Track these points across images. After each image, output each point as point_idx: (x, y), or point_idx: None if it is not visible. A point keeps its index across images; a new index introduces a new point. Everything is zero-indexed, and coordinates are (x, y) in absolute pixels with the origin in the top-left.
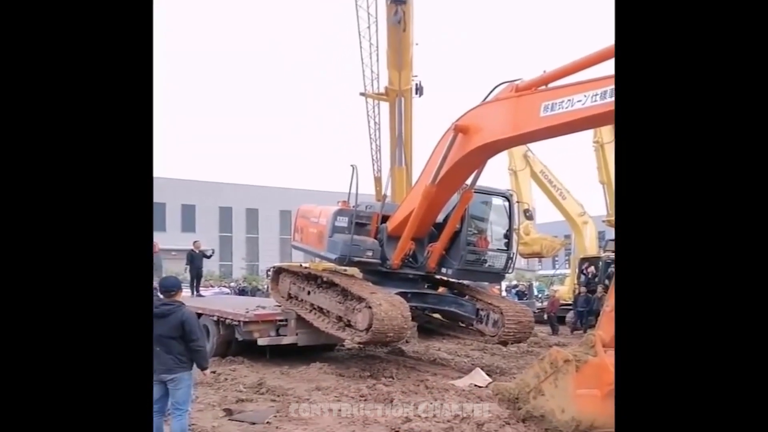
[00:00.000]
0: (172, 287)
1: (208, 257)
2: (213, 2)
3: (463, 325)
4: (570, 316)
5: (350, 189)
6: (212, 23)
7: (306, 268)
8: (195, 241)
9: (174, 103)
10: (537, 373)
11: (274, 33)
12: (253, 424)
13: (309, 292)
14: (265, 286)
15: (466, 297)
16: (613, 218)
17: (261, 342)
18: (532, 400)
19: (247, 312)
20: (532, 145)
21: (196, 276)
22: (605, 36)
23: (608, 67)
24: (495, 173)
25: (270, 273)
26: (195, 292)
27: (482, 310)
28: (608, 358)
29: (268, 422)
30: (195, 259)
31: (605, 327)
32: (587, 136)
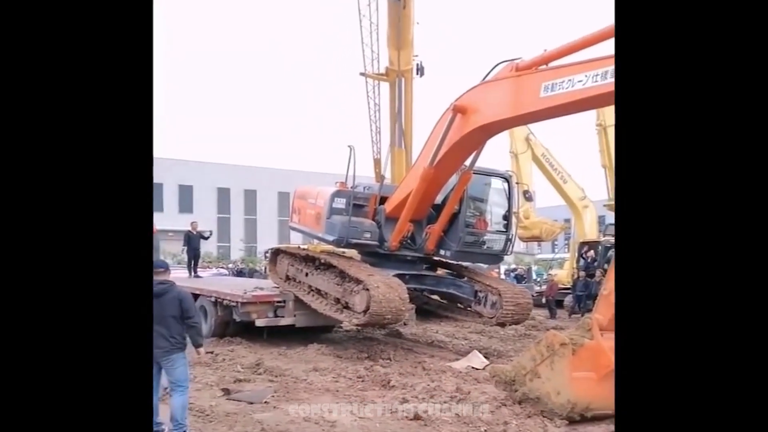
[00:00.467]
0: (158, 267)
1: (206, 238)
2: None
3: (462, 306)
4: (568, 299)
5: (348, 170)
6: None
7: (304, 249)
8: (192, 222)
9: (172, 86)
10: (534, 356)
11: (274, 33)
12: (251, 403)
13: (307, 274)
14: (263, 268)
15: (465, 279)
16: (613, 203)
17: (259, 323)
18: (529, 382)
19: (245, 293)
20: (533, 128)
21: (194, 257)
22: (607, 15)
23: (609, 47)
24: (496, 156)
25: (268, 255)
26: (192, 273)
27: (480, 291)
28: (605, 342)
29: (266, 402)
30: (192, 240)
31: (602, 310)
32: (590, 118)
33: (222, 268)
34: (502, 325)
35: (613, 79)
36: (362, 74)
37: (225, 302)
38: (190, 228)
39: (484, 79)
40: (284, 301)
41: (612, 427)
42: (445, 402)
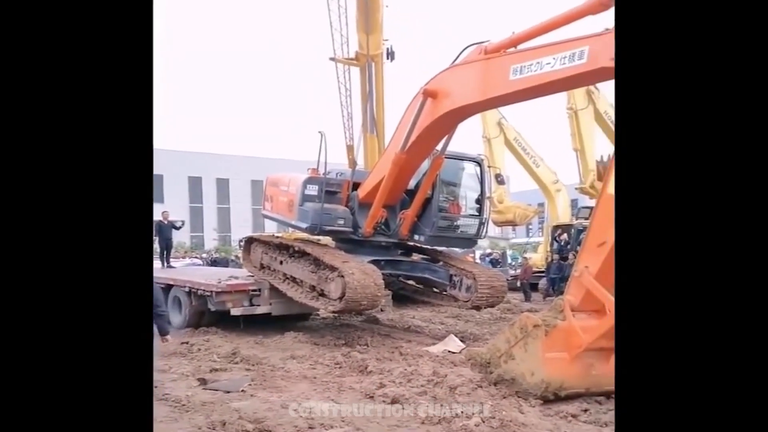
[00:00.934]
0: None
1: (178, 228)
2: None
3: (437, 291)
4: (543, 282)
5: (319, 157)
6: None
7: (278, 237)
8: (163, 212)
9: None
10: (508, 338)
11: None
12: (228, 392)
13: (281, 262)
14: (238, 257)
15: (440, 263)
16: (585, 186)
17: (234, 312)
18: (503, 364)
19: (220, 282)
20: (505, 112)
21: (166, 247)
22: None
23: (577, 28)
24: (469, 141)
25: (242, 244)
26: (165, 264)
27: (455, 275)
28: (576, 322)
29: (242, 390)
30: (164, 230)
31: (573, 291)
32: (561, 102)
33: (195, 257)
34: (477, 308)
35: (581, 61)
36: (332, 59)
37: (199, 292)
38: (161, 218)
39: (453, 62)
40: (259, 290)
41: (585, 405)
42: (422, 385)
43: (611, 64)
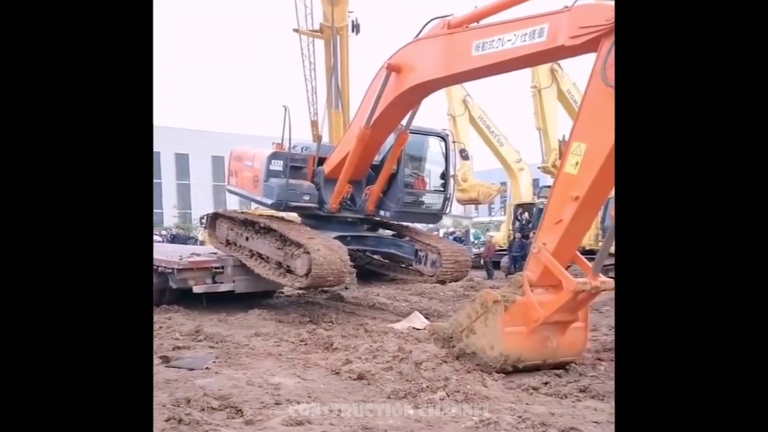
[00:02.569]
0: None
1: None
2: None
3: (403, 266)
4: (505, 261)
5: (284, 132)
6: None
7: (243, 213)
8: None
9: None
10: (469, 313)
11: None
12: (192, 369)
13: (247, 238)
14: (198, 235)
15: (406, 238)
16: (548, 165)
17: (196, 290)
18: (465, 338)
19: (181, 259)
20: (471, 90)
21: None
22: None
23: (540, 4)
24: (434, 118)
25: (203, 221)
26: None
27: (421, 251)
28: (534, 297)
29: (207, 368)
30: None
31: (532, 268)
32: (525, 80)
33: (155, 234)
34: (443, 282)
35: (540, 39)
36: (295, 30)
37: (160, 269)
38: None
39: (416, 36)
40: (222, 267)
41: (546, 378)
42: (387, 361)
43: (570, 42)
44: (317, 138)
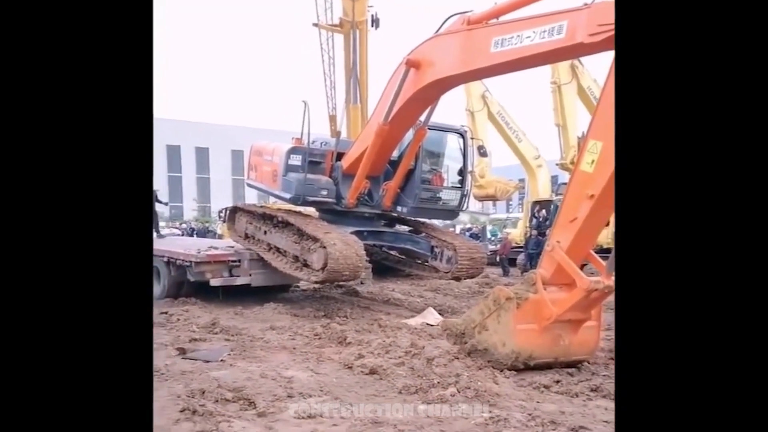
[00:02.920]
0: None
1: (161, 202)
2: None
3: (419, 261)
4: (521, 258)
5: (303, 126)
6: None
7: (262, 207)
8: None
9: None
10: (482, 310)
11: None
12: (207, 362)
13: (265, 232)
14: (216, 228)
15: (422, 234)
16: (566, 162)
17: (213, 283)
18: (477, 335)
19: (199, 252)
20: (489, 85)
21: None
22: None
23: (560, 1)
24: (452, 113)
25: (222, 215)
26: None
27: (437, 247)
28: (547, 295)
29: (222, 360)
30: None
31: (546, 266)
32: (545, 76)
33: (174, 228)
34: (458, 279)
35: (559, 36)
36: (315, 25)
37: (178, 262)
38: None
39: (436, 32)
40: (239, 261)
41: (557, 377)
42: (399, 357)
43: (589, 39)
44: (336, 133)
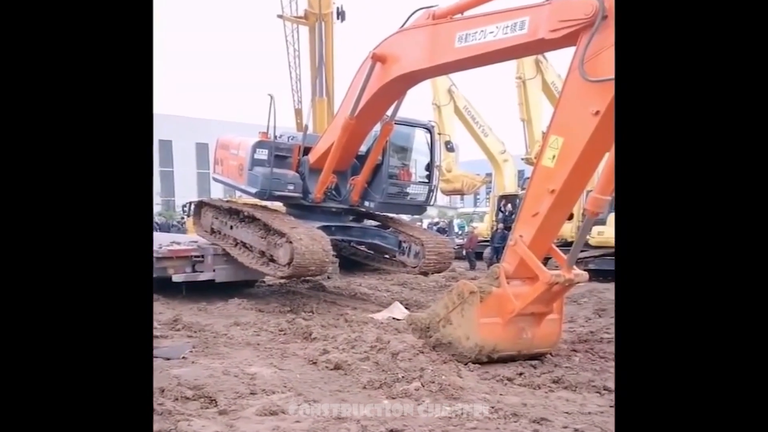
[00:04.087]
0: None
1: None
2: None
3: (387, 256)
4: (487, 252)
5: (269, 120)
6: None
7: (228, 202)
8: None
9: None
10: (446, 304)
11: None
12: (168, 359)
13: (231, 227)
14: (183, 222)
15: (390, 229)
16: (531, 156)
17: (176, 278)
18: (442, 328)
19: (161, 247)
20: (456, 80)
21: None
22: None
23: None
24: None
25: (186, 209)
26: None
27: (404, 242)
28: (510, 289)
29: (183, 357)
30: None
31: (509, 259)
32: (510, 71)
33: None
34: (425, 273)
35: (521, 32)
36: (280, 17)
37: None
38: None
39: (402, 26)
40: (203, 256)
41: (520, 369)
42: (365, 351)
43: (550, 35)
44: (302, 127)
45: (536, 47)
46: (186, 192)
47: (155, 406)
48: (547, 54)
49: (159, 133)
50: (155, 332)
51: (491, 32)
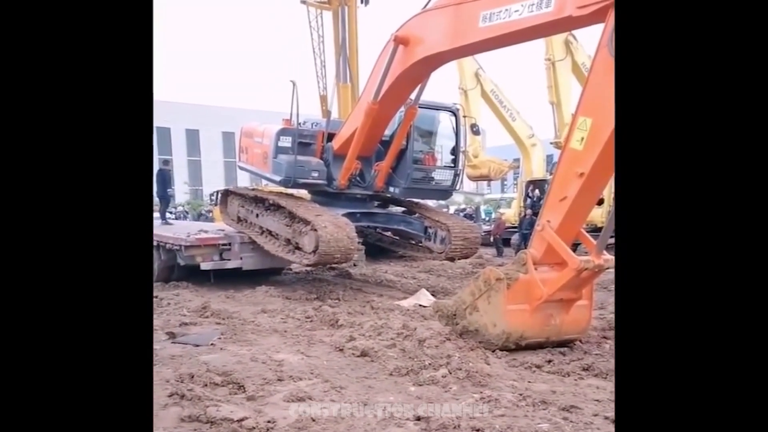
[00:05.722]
0: None
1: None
2: None
3: (413, 242)
4: (515, 238)
5: (292, 107)
6: None
7: (253, 190)
8: (165, 159)
9: None
10: (472, 291)
11: None
12: (197, 346)
13: (257, 215)
14: (210, 211)
15: (415, 215)
16: (561, 140)
17: (204, 266)
18: (468, 315)
19: (189, 236)
20: (483, 63)
21: (163, 198)
22: None
23: None
24: (446, 92)
25: (213, 198)
26: (162, 219)
27: (430, 227)
28: (537, 275)
29: (212, 344)
30: (167, 181)
31: (536, 245)
32: (540, 54)
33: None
34: (452, 259)
35: (548, 9)
36: (303, 2)
37: (168, 246)
38: (163, 166)
39: (424, 7)
40: (230, 244)
41: (549, 356)
42: (391, 338)
43: (578, 12)
44: (326, 113)
45: (563, 25)
46: (214, 181)
47: (185, 391)
48: (577, 34)
49: (186, 122)
50: (184, 319)
51: (516, 11)
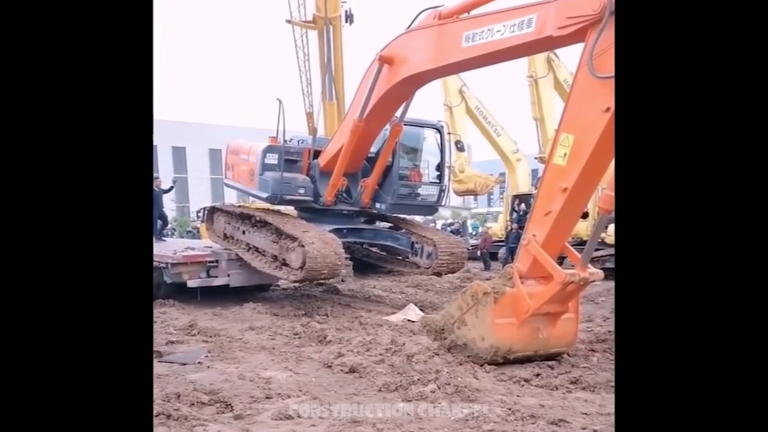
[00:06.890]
0: None
1: (167, 191)
2: None
3: (400, 258)
4: (502, 252)
5: (278, 125)
6: None
7: (239, 207)
8: (156, 178)
9: None
10: (460, 305)
11: None
12: (184, 364)
13: (244, 232)
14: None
15: (402, 230)
16: (545, 155)
17: (191, 284)
18: (456, 330)
19: (175, 253)
20: (467, 80)
21: (161, 218)
22: None
23: None
24: (431, 109)
25: (200, 214)
26: (158, 237)
27: (417, 243)
28: (524, 289)
29: (199, 362)
30: (157, 199)
31: (522, 259)
32: (522, 70)
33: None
34: (438, 274)
35: (528, 30)
36: (288, 21)
37: (154, 263)
38: (154, 186)
39: (408, 27)
40: (217, 261)
41: (537, 370)
42: (380, 354)
43: (558, 32)
44: (312, 130)
45: (544, 45)
46: (200, 198)
47: (171, 411)
48: (558, 51)
49: (172, 140)
50: (171, 337)
51: (498, 31)
